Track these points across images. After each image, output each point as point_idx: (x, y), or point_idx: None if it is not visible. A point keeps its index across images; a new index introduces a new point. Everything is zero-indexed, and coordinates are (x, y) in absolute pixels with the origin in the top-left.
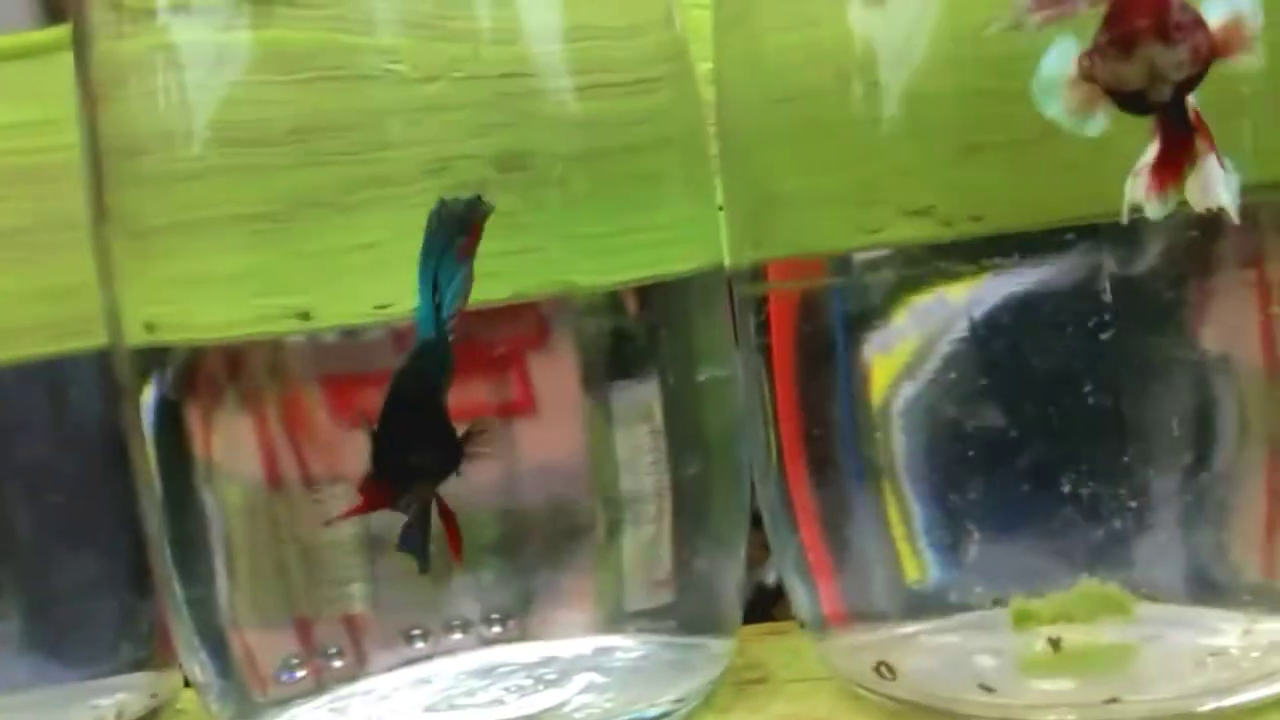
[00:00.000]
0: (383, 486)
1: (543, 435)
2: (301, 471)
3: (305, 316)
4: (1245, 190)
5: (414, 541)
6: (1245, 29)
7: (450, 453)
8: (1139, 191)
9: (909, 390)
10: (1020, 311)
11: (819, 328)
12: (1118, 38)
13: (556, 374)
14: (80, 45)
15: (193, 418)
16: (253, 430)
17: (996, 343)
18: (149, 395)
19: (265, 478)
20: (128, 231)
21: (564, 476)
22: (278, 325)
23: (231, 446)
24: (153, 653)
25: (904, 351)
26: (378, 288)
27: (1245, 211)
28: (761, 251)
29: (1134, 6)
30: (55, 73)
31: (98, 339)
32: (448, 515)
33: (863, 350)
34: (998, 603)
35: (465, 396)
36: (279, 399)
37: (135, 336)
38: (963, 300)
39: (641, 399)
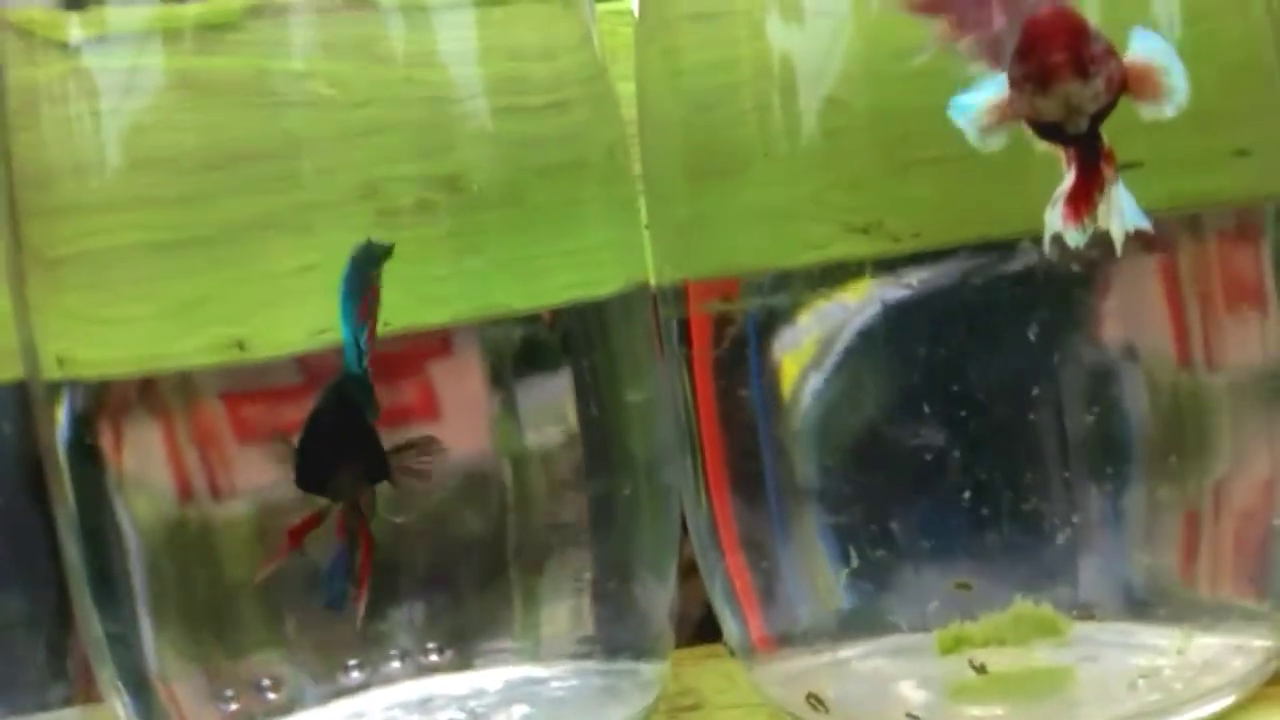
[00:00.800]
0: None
1: (458, 456)
2: (218, 497)
3: (241, 346)
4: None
5: (337, 583)
6: (1160, 79)
7: (377, 462)
8: (1058, 221)
9: (829, 411)
10: (944, 327)
11: (738, 349)
12: (1034, 73)
13: (468, 395)
14: None
15: (106, 449)
16: (166, 461)
17: (920, 361)
18: (62, 427)
19: (180, 504)
20: (41, 262)
21: (483, 501)
22: (212, 356)
23: (145, 479)
24: (80, 689)
25: (822, 372)
26: (315, 312)
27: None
28: (683, 271)
29: (1048, 40)
30: None
31: (13, 371)
32: (367, 539)
33: (781, 371)
34: (925, 628)
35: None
36: (192, 426)
37: (49, 370)
38: (881, 319)
39: (564, 422)
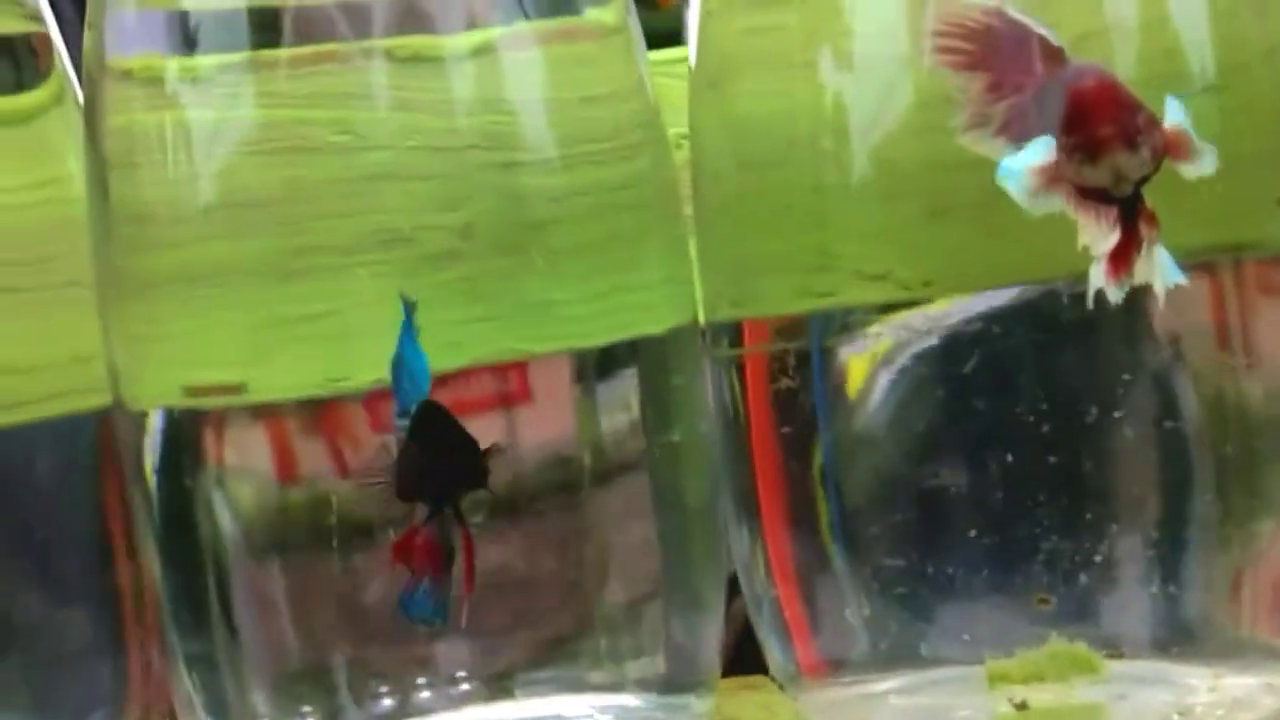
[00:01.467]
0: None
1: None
2: (306, 518)
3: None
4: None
5: (439, 594)
6: (1195, 141)
7: (474, 468)
8: (1100, 277)
9: (876, 448)
10: (984, 370)
11: (791, 386)
12: (1083, 144)
13: (537, 431)
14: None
15: (193, 473)
16: (254, 483)
17: (963, 403)
18: (151, 453)
19: (270, 526)
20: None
21: (545, 535)
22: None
23: (234, 501)
24: (126, 714)
25: (872, 410)
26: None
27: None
28: (736, 311)
29: (1097, 112)
30: None
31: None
32: (469, 545)
33: (834, 409)
34: (968, 662)
35: None
36: (281, 450)
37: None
38: (924, 362)
39: (621, 458)
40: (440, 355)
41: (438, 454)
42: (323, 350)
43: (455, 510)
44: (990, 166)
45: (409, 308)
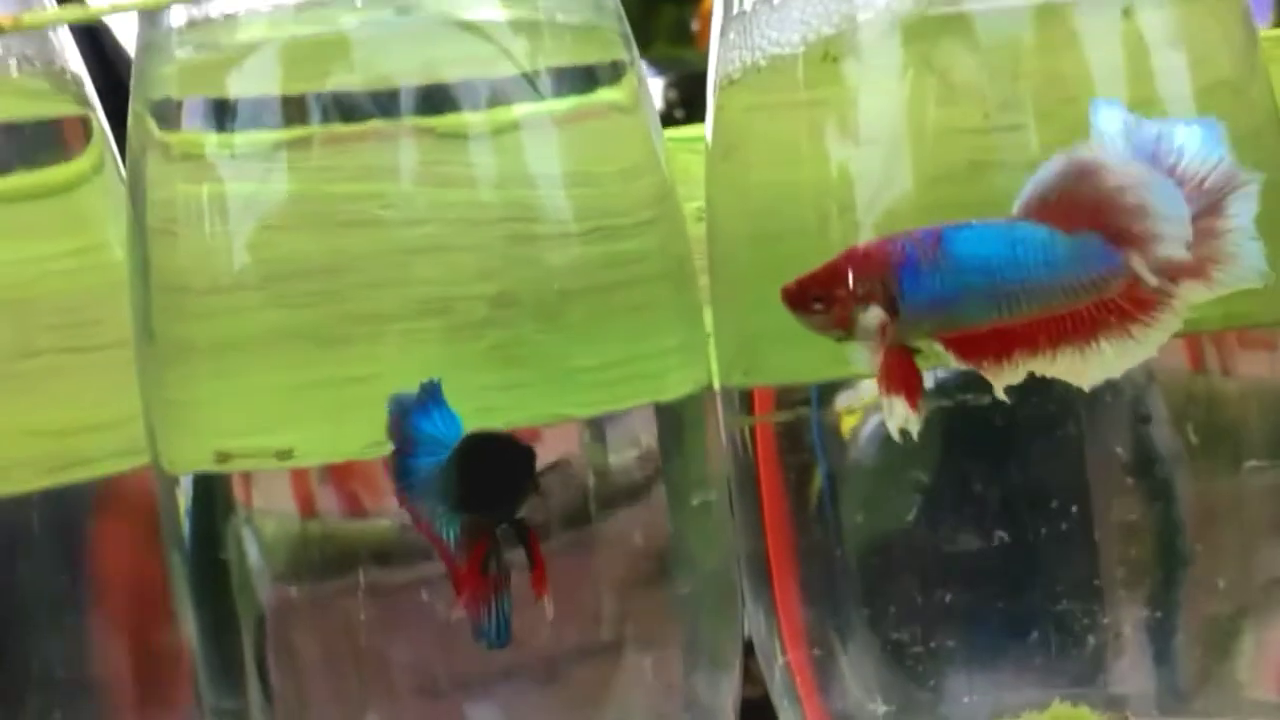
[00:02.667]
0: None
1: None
2: (344, 575)
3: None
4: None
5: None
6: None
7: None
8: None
9: (882, 515)
10: (985, 435)
11: (802, 455)
12: None
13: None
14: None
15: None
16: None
17: (969, 467)
18: (186, 516)
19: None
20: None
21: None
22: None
23: (271, 560)
24: None
25: (875, 478)
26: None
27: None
28: (747, 379)
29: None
30: None
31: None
32: (533, 539)
33: (843, 477)
34: None
35: None
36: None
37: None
38: (935, 428)
39: (637, 524)
40: (474, 420)
41: (493, 473)
42: (362, 415)
43: (516, 522)
44: None
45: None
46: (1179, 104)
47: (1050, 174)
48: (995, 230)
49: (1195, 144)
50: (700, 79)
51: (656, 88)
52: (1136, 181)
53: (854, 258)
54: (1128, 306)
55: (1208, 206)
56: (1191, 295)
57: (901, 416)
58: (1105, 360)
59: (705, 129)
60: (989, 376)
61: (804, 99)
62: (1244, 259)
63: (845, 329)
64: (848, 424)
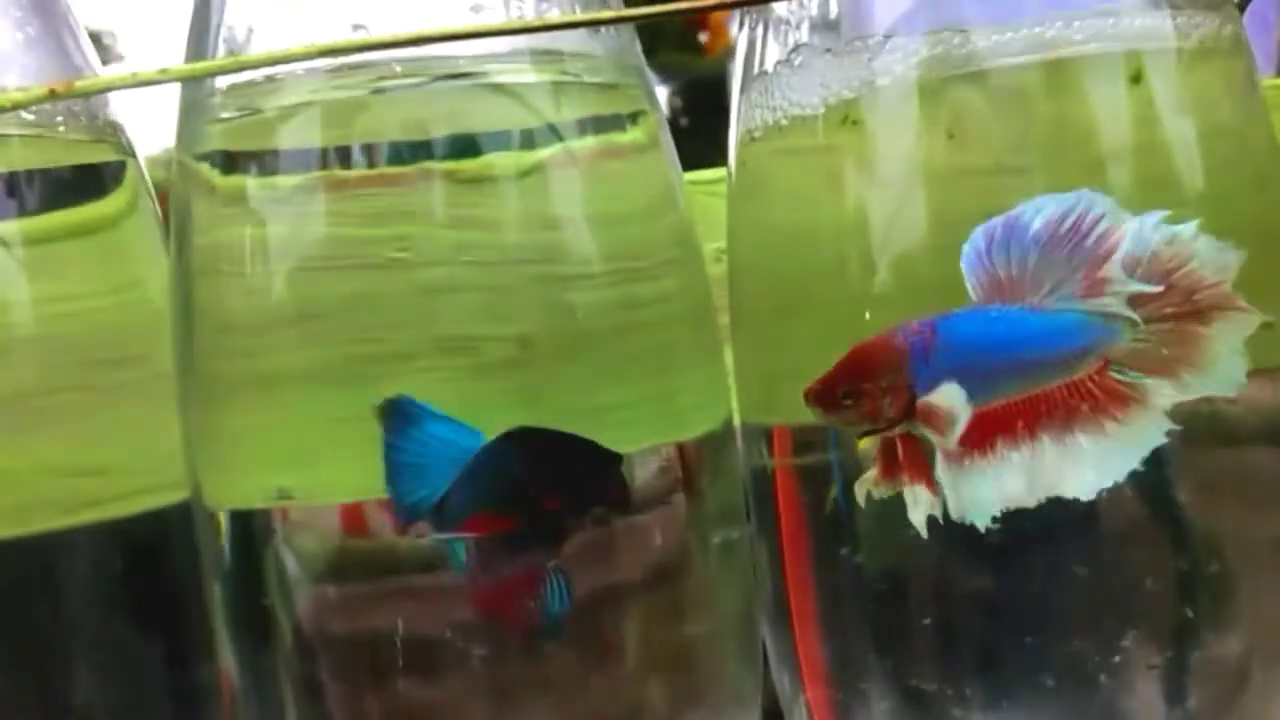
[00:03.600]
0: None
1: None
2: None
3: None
4: None
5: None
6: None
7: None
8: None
9: (905, 556)
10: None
11: (820, 494)
12: None
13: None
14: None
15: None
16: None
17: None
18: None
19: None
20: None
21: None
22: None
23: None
24: None
25: (900, 518)
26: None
27: None
28: (766, 419)
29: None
30: None
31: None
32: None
33: (861, 517)
34: None
35: None
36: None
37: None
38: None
39: (658, 561)
40: None
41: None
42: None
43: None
44: None
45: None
46: (1184, 152)
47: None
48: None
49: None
50: (706, 85)
51: (662, 95)
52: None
53: (872, 351)
54: (1100, 396)
55: (1192, 313)
56: (1161, 393)
57: (926, 503)
58: (1088, 460)
59: (725, 175)
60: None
61: (822, 144)
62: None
63: (875, 420)
64: (866, 463)
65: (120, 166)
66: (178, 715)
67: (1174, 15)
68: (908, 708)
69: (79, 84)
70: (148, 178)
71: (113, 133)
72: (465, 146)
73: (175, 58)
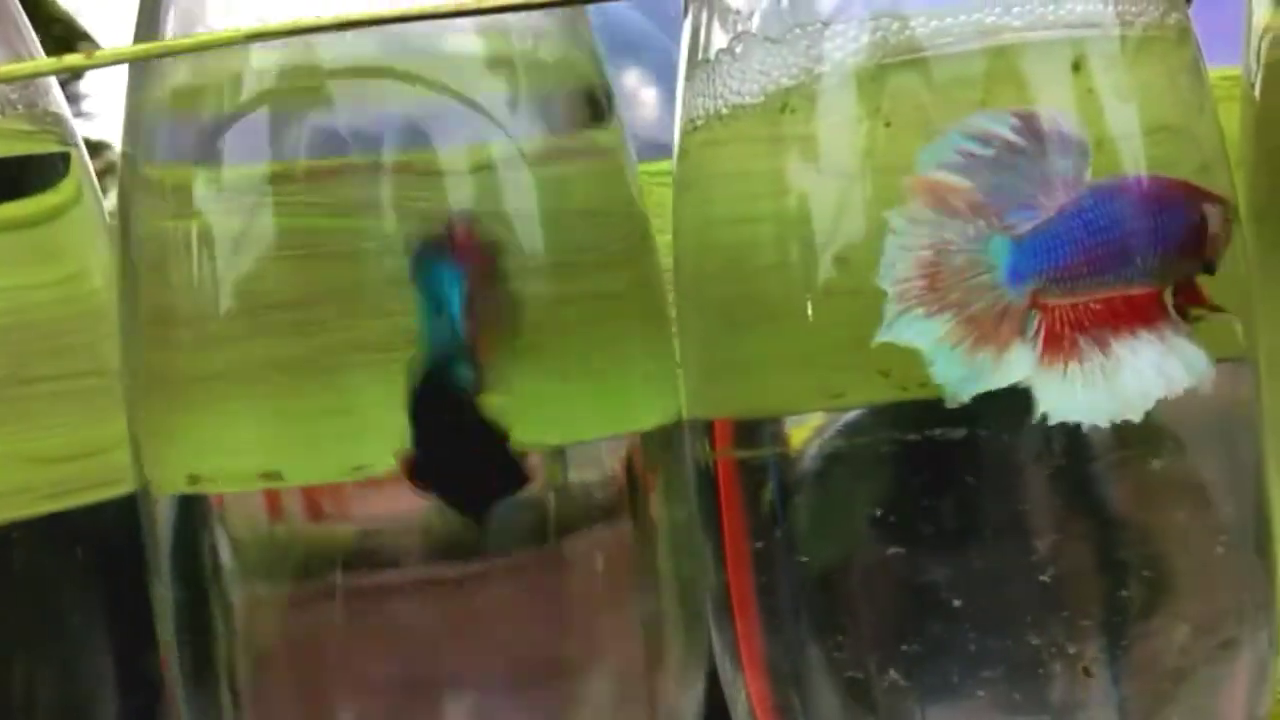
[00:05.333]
0: None
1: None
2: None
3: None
4: None
5: None
6: None
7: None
8: None
9: (843, 547)
10: (954, 472)
11: (758, 486)
12: None
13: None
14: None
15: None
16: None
17: (940, 505)
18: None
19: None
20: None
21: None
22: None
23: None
24: None
25: (836, 510)
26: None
27: None
28: (708, 412)
29: None
30: None
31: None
32: None
33: (804, 510)
34: None
35: None
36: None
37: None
38: (893, 460)
39: (608, 549)
40: None
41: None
42: (342, 444)
43: None
44: None
45: None
46: (1126, 141)
47: None
48: None
49: None
50: None
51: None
52: None
53: None
54: None
55: None
56: None
57: None
58: None
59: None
60: None
61: (763, 139)
62: None
63: None
64: (802, 455)
65: (63, 158)
66: (131, 706)
67: (1116, 2)
68: (847, 699)
69: (12, 68)
70: (91, 169)
71: (54, 123)
72: (415, 138)
73: None
